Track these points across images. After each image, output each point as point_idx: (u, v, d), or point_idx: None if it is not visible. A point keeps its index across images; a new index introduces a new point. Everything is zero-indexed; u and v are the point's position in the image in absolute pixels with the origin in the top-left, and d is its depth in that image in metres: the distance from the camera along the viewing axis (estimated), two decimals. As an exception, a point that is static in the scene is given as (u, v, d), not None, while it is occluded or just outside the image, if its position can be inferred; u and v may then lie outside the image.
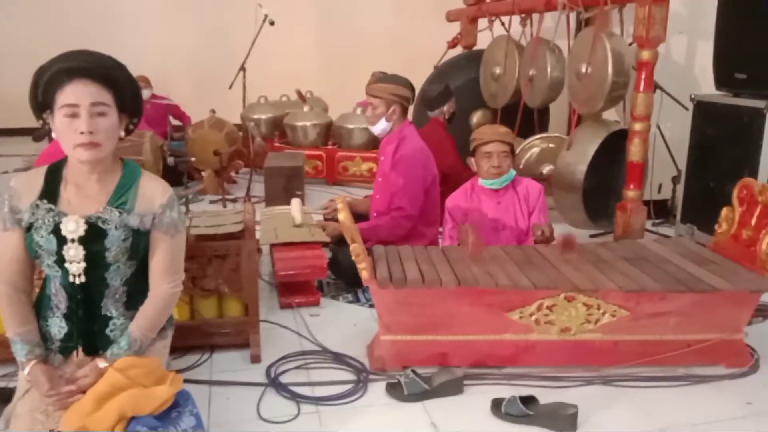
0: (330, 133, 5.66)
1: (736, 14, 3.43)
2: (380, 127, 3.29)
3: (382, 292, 2.32)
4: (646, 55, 3.36)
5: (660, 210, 4.35)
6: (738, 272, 2.44)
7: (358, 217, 3.38)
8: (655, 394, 2.30)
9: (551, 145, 4.30)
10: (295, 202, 3.36)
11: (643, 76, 3.36)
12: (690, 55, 4.54)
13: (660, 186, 4.35)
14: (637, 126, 3.40)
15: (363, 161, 5.37)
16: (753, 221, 2.53)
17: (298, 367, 2.45)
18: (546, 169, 4.15)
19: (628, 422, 2.14)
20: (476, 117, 5.10)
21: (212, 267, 2.50)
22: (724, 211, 2.67)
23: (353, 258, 2.27)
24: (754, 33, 3.28)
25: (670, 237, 3.79)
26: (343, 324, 2.82)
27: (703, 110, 3.63)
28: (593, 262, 2.54)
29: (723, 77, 3.52)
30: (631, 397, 2.27)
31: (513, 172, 3.04)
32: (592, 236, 4.03)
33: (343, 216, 2.23)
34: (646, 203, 4.31)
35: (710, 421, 2.16)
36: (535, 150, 4.35)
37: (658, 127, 4.10)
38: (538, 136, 4.46)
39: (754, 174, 3.13)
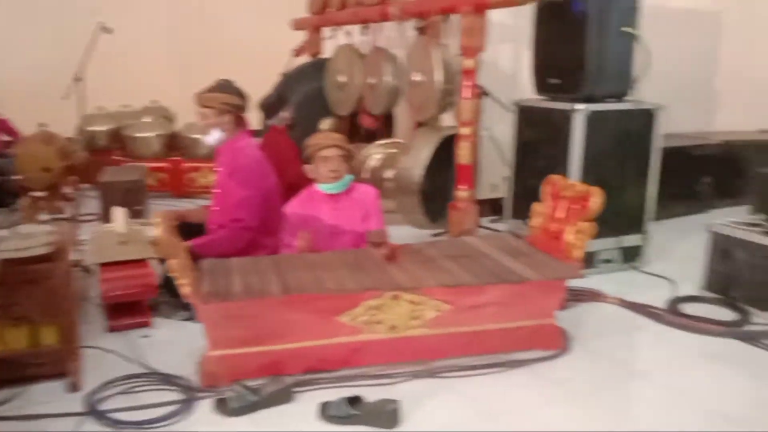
0: (175, 143, 5.46)
1: (548, 24, 3.72)
2: (213, 138, 3.22)
3: (206, 307, 2.27)
4: (469, 63, 3.56)
5: (497, 207, 4.64)
6: (546, 262, 2.66)
7: (194, 228, 3.31)
8: (477, 381, 2.44)
9: (394, 151, 4.44)
10: (119, 212, 3.19)
11: (467, 83, 3.57)
12: (517, 62, 4.88)
13: (494, 185, 4.63)
14: (464, 130, 3.59)
15: (211, 172, 5.23)
16: (559, 214, 2.77)
17: (122, 393, 2.33)
18: (388, 173, 4.27)
19: (451, 411, 2.25)
20: (325, 124, 5.13)
21: (22, 293, 2.32)
22: (535, 206, 2.90)
23: (172, 275, 2.20)
24: (564, 41, 3.58)
25: (500, 232, 4.05)
26: (177, 344, 2.72)
27: (524, 114, 3.91)
28: (419, 261, 2.66)
29: (540, 83, 3.81)
30: (455, 387, 2.39)
31: (350, 177, 3.10)
32: (434, 235, 4.21)
33: (159, 231, 2.16)
34: (484, 202, 4.60)
35: (526, 402, 2.33)
36: (379, 156, 4.47)
37: (489, 131, 4.36)
38: (381, 141, 4.58)
39: (565, 171, 3.41)
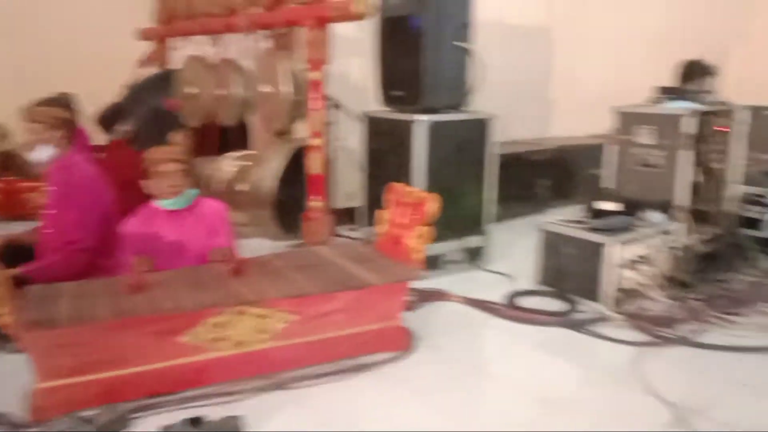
0: (10, 162, 5.05)
1: (389, 38, 3.88)
2: (42, 154, 3.02)
3: (31, 336, 2.12)
4: (315, 75, 3.62)
5: (354, 216, 4.73)
6: (389, 267, 2.76)
7: (27, 250, 3.08)
8: (324, 389, 2.48)
9: (247, 163, 4.39)
10: None
11: (314, 95, 3.62)
12: (368, 73, 5.02)
13: (351, 194, 4.72)
14: (314, 141, 3.64)
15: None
16: (401, 220, 2.89)
17: (-65, 438, 2.12)
18: (241, 186, 4.22)
19: (297, 421, 2.27)
20: (175, 137, 4.98)
21: None
22: (378, 213, 3.00)
23: (-13, 304, 2.04)
24: (403, 55, 3.74)
25: (352, 240, 4.15)
26: (7, 377, 2.50)
27: (372, 125, 4.04)
28: (265, 274, 2.66)
29: (385, 95, 3.96)
30: (302, 397, 2.41)
31: (193, 192, 3.03)
32: (291, 247, 4.21)
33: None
34: (342, 211, 4.68)
35: (373, 404, 2.40)
36: (232, 168, 4.40)
37: (343, 141, 4.45)
38: (236, 154, 4.52)
39: (409, 179, 3.56)
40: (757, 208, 3.98)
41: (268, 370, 2.51)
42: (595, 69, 5.92)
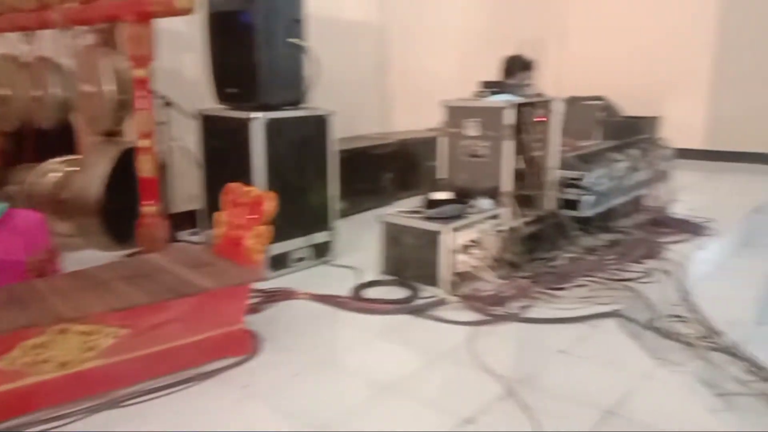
0: None
1: (220, 34, 3.77)
2: None
3: None
4: (140, 72, 3.43)
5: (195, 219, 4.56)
6: (227, 270, 2.69)
7: None
8: (163, 403, 2.36)
9: (72, 168, 4.07)
10: None
11: (140, 94, 3.43)
12: (201, 71, 4.85)
13: (192, 196, 4.54)
14: (143, 143, 3.46)
15: None
16: (239, 221, 2.83)
17: None
18: (65, 194, 3.91)
19: (133, 440, 2.16)
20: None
21: None
22: (216, 216, 2.92)
23: None
24: (235, 51, 3.66)
25: (193, 244, 4.01)
26: None
27: (207, 123, 3.91)
28: (89, 287, 2.49)
29: (219, 92, 3.85)
30: (137, 414, 2.29)
31: (2, 206, 2.76)
32: (127, 256, 3.97)
33: None
34: (183, 214, 4.50)
35: (215, 412, 2.33)
36: (56, 174, 4.06)
37: (179, 141, 4.27)
38: (59, 159, 4.17)
39: (249, 178, 3.50)
40: (575, 191, 4.37)
41: (100, 390, 2.35)
42: (427, 64, 6.19)
